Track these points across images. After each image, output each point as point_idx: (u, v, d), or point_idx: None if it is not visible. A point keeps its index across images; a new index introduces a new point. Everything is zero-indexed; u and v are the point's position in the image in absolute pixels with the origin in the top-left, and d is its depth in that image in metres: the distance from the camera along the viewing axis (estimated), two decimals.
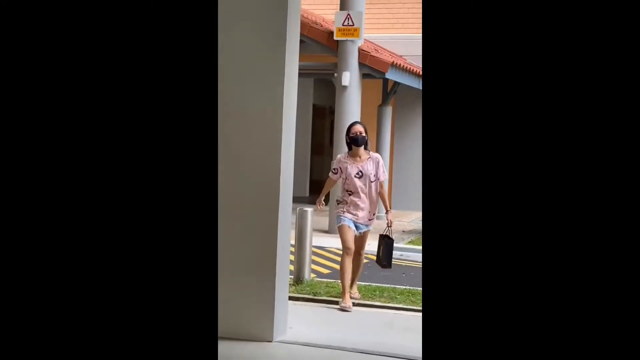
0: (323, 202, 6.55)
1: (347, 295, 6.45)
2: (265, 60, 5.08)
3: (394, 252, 6.72)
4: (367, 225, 6.43)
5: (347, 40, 10.90)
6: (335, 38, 10.96)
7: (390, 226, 6.52)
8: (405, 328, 6.27)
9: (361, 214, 6.23)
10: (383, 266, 6.68)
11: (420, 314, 6.49)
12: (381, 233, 6.60)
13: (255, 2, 5.07)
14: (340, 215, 6.34)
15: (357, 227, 6.34)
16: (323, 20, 12.14)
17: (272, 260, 5.15)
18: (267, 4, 5.05)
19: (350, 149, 6.39)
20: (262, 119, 5.13)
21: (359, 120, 7.10)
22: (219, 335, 4.85)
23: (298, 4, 5.14)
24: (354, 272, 6.56)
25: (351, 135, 6.32)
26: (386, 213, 6.60)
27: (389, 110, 13.80)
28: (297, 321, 5.65)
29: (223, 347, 4.69)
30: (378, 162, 6.36)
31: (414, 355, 4.90)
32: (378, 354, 5.00)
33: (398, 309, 6.92)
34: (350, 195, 6.23)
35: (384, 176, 6.41)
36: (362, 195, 6.19)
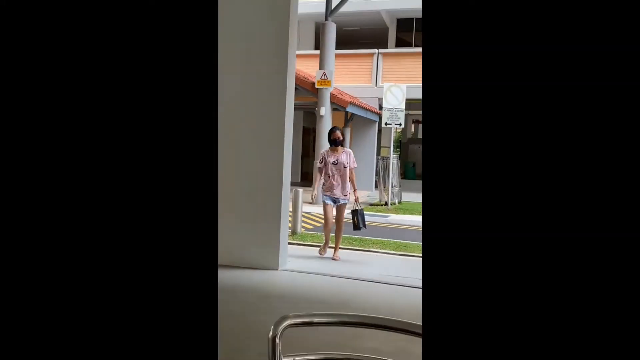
0: (314, 196, 6.30)
1: (325, 247, 6.24)
2: (274, 100, 5.14)
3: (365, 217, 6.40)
4: (342, 199, 5.96)
5: (323, 88, 11.05)
6: (316, 87, 11.07)
7: (357, 201, 6.22)
8: (365, 262, 6.15)
9: (337, 191, 5.88)
10: (359, 229, 6.30)
11: (377, 253, 6.75)
12: (352, 209, 6.28)
13: (265, 66, 5.10)
14: (323, 196, 6.03)
15: (334, 201, 5.94)
16: (309, 75, 12.29)
17: (278, 219, 5.23)
18: (273, 68, 5.10)
19: (331, 146, 6.07)
20: (271, 135, 5.19)
21: (337, 127, 6.56)
22: (240, 265, 5.19)
23: (294, 67, 5.27)
24: (336, 238, 6.19)
25: (332, 138, 6.04)
26: (354, 192, 6.09)
27: (348, 130, 13.88)
28: (294, 258, 5.79)
29: (243, 273, 5.05)
30: (349, 155, 6.07)
31: (377, 279, 5.10)
32: (359, 279, 5.10)
33: (354, 249, 6.77)
34: (329, 178, 5.89)
35: (353, 164, 6.06)
36: (337, 177, 5.88)
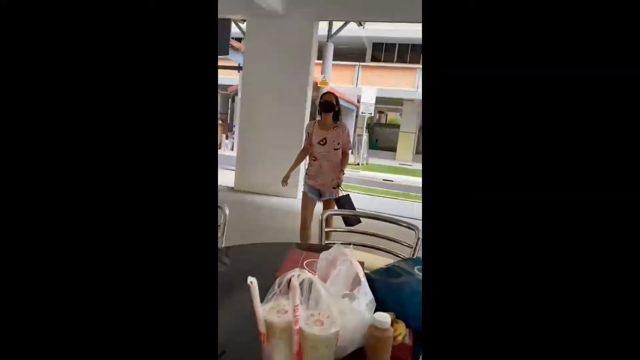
0: (287, 182, 2.94)
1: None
2: (301, 91, 5.25)
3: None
4: (331, 194, 2.91)
5: (323, 86, 11.26)
6: (318, 85, 11.02)
7: (339, 185, 2.87)
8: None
9: (324, 179, 2.88)
10: (350, 224, 2.69)
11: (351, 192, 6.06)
12: (338, 196, 2.91)
13: (297, 71, 5.22)
14: (305, 185, 2.97)
15: (320, 195, 2.92)
16: (315, 77, 12.68)
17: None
18: (301, 72, 5.21)
19: (320, 116, 2.89)
20: (296, 113, 5.24)
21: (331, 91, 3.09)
22: (266, 193, 5.08)
23: (313, 73, 5.37)
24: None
25: (322, 100, 2.87)
26: (338, 173, 2.86)
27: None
28: None
29: (269, 198, 4.99)
30: (344, 131, 2.89)
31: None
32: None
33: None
34: (314, 161, 2.90)
35: (348, 146, 2.91)
36: (324, 161, 2.87)
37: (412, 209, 5.78)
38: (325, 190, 2.90)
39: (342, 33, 8.70)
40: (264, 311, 0.66)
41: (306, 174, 2.97)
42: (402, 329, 0.75)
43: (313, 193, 2.90)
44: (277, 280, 0.68)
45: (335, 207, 2.80)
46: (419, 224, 1.51)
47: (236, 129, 12.28)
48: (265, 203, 5.06)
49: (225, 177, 6.36)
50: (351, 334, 0.69)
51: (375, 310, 0.72)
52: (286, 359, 0.65)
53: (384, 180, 9.58)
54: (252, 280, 0.66)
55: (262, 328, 0.66)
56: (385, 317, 0.68)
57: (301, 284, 0.65)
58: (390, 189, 8.20)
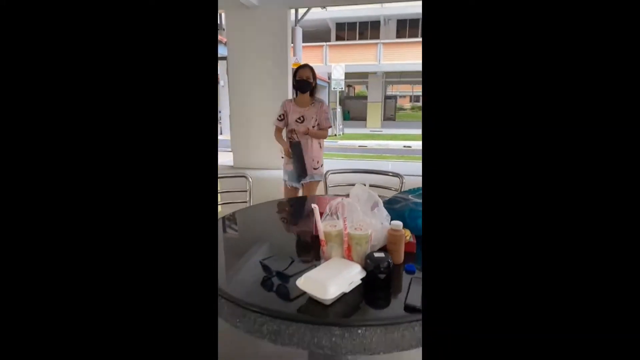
0: (289, 150, 2.12)
1: None
2: (282, 71, 5.27)
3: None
4: (312, 176, 2.18)
5: (296, 67, 11.30)
6: (292, 66, 11.27)
7: (303, 132, 2.11)
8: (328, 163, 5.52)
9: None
10: (299, 177, 2.14)
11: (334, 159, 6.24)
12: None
13: (277, 56, 5.22)
14: (284, 169, 2.27)
15: (299, 178, 2.17)
16: None
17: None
18: (281, 56, 5.23)
19: (296, 94, 2.19)
20: (279, 90, 5.22)
21: (308, 64, 2.16)
22: (258, 168, 5.08)
23: (290, 56, 5.33)
24: None
25: (297, 79, 2.14)
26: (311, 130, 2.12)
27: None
28: None
29: (259, 171, 5.00)
30: (321, 108, 2.16)
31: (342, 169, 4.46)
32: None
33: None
34: (290, 142, 2.13)
35: (327, 123, 2.15)
36: (302, 141, 2.11)
37: (388, 166, 6.10)
38: (307, 174, 2.20)
39: (307, 17, 8.59)
40: (322, 226, 0.88)
41: (283, 157, 2.26)
42: (408, 232, 1.00)
43: (292, 179, 2.23)
44: (328, 206, 0.92)
45: (316, 192, 2.22)
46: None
47: (222, 115, 12.13)
48: (263, 175, 5.25)
49: (223, 158, 6.46)
50: (379, 235, 0.93)
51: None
52: (340, 254, 0.87)
53: (359, 146, 9.87)
54: (315, 206, 0.87)
55: (322, 236, 0.87)
56: (399, 223, 0.92)
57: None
58: (366, 152, 8.51)
